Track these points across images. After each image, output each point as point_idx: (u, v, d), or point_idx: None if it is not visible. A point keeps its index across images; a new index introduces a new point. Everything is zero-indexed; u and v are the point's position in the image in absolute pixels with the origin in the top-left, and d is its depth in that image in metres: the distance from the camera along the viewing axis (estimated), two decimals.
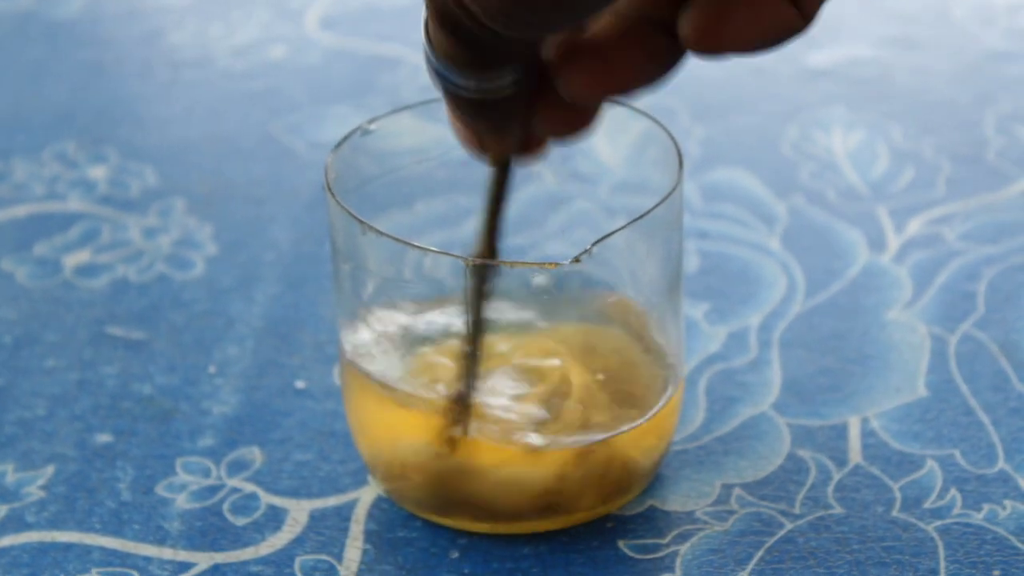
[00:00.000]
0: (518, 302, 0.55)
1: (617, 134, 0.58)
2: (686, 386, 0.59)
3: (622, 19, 0.41)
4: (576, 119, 0.43)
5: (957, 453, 0.56)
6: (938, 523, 0.53)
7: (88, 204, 0.71)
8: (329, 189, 0.51)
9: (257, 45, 0.83)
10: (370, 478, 0.56)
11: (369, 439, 0.54)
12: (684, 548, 0.53)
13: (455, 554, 0.53)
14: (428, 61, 0.42)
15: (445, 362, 0.53)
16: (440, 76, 0.42)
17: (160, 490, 0.56)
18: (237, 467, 0.57)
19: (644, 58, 0.41)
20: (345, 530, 0.54)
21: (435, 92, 0.78)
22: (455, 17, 0.39)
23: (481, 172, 0.58)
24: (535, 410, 0.52)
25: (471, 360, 0.51)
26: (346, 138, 0.53)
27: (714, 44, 0.40)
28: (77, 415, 0.59)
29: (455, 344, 0.54)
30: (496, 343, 0.54)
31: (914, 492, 0.55)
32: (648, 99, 0.77)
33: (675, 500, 0.55)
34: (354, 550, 0.53)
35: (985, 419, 0.58)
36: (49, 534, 0.54)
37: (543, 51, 0.42)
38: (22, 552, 0.54)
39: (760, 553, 0.53)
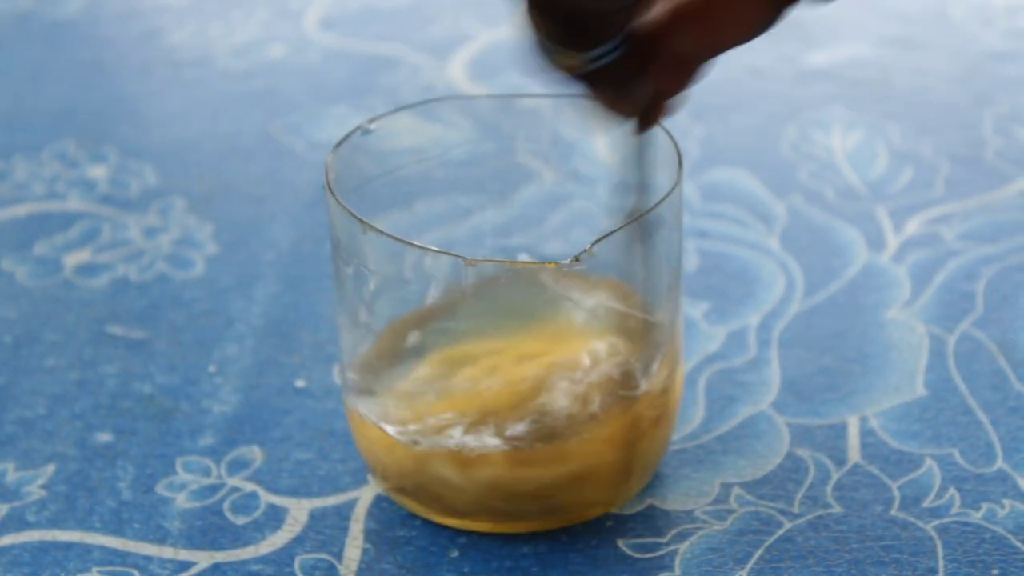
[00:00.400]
0: (520, 299, 0.55)
1: (617, 134, 0.58)
2: (685, 385, 0.59)
3: None
4: (684, 75, 0.44)
5: (956, 452, 0.56)
6: (937, 522, 0.53)
7: (88, 203, 0.71)
8: (329, 188, 0.51)
9: (257, 45, 0.83)
10: (370, 477, 0.56)
11: (368, 441, 0.54)
12: (683, 547, 0.53)
13: (455, 553, 0.53)
14: (538, 48, 0.43)
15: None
16: (550, 58, 0.43)
17: (160, 489, 0.56)
18: (237, 466, 0.57)
19: (749, 12, 0.42)
20: (345, 529, 0.54)
21: (434, 93, 0.78)
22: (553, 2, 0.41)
23: (480, 172, 0.59)
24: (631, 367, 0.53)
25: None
26: (346, 138, 0.53)
27: None
28: (77, 414, 0.59)
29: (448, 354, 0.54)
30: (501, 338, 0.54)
31: (913, 491, 0.55)
32: None
33: (674, 499, 0.55)
34: (354, 549, 0.53)
35: (984, 418, 0.58)
36: (50, 533, 0.54)
37: (645, 16, 0.42)
38: (23, 551, 0.54)
39: (759, 552, 0.53)
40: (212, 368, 0.61)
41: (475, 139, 0.57)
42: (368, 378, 0.54)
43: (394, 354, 0.54)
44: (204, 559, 0.53)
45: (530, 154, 0.59)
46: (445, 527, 0.54)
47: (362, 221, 0.50)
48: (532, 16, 0.42)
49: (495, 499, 0.53)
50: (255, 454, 0.57)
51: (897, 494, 0.55)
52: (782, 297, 0.64)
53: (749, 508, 0.54)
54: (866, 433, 0.57)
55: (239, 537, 0.54)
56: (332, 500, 0.55)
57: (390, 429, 0.53)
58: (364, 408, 0.53)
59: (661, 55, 0.43)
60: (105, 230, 0.69)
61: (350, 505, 0.55)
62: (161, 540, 0.54)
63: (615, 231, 0.49)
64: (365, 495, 0.55)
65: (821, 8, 0.42)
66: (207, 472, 0.56)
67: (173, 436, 0.58)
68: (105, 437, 0.58)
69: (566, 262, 0.48)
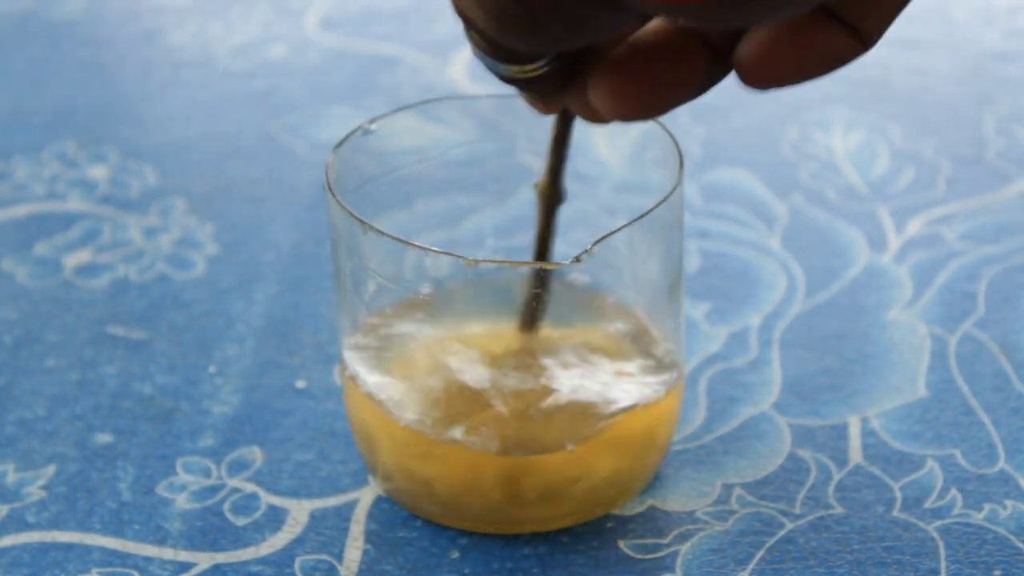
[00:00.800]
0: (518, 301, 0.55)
1: (618, 134, 0.58)
2: (687, 386, 0.58)
3: (662, 31, 0.39)
4: (598, 115, 0.42)
5: (957, 453, 0.56)
6: (939, 523, 0.53)
7: (88, 204, 0.71)
8: (330, 189, 0.51)
9: (257, 45, 0.83)
10: (370, 478, 0.56)
11: (369, 441, 0.54)
12: (684, 548, 0.53)
13: (455, 554, 0.53)
14: (473, 50, 0.42)
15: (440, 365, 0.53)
16: (479, 59, 0.42)
17: (160, 490, 0.56)
18: (237, 467, 0.57)
19: (678, 78, 0.39)
20: (345, 530, 0.54)
21: (434, 93, 0.78)
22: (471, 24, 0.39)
23: (481, 173, 0.58)
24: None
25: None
26: (347, 138, 0.53)
27: (772, 78, 0.38)
28: (78, 415, 0.59)
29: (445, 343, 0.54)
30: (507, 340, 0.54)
31: (915, 492, 0.55)
32: None
33: (675, 500, 0.55)
34: (354, 550, 0.53)
35: (985, 419, 0.58)
36: (49, 534, 0.54)
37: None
38: (23, 552, 0.54)
39: (760, 553, 0.53)
40: (212, 369, 0.61)
41: (476, 139, 0.57)
42: (367, 362, 0.54)
43: (393, 342, 0.54)
44: (204, 560, 0.53)
45: (531, 154, 0.59)
46: (446, 528, 0.54)
47: (362, 221, 0.49)
48: (464, 26, 0.41)
49: (487, 498, 0.52)
50: (255, 455, 0.57)
51: (899, 495, 0.54)
52: (783, 297, 0.64)
53: (750, 509, 0.54)
54: (867, 434, 0.57)
55: (239, 538, 0.54)
56: (333, 501, 0.55)
57: (392, 412, 0.52)
58: (363, 392, 0.53)
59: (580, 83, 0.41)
60: (105, 230, 0.69)
61: (351, 506, 0.55)
62: (161, 541, 0.54)
63: (616, 231, 0.49)
64: (366, 496, 0.55)
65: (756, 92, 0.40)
66: (207, 473, 0.56)
67: (173, 437, 0.58)
68: (105, 438, 0.58)
69: (567, 262, 0.48)
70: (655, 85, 0.39)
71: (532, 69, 0.41)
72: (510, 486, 0.52)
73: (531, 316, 0.52)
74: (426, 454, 0.52)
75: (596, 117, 0.42)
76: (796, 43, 0.38)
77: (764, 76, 0.38)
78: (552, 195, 0.50)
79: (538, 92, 0.42)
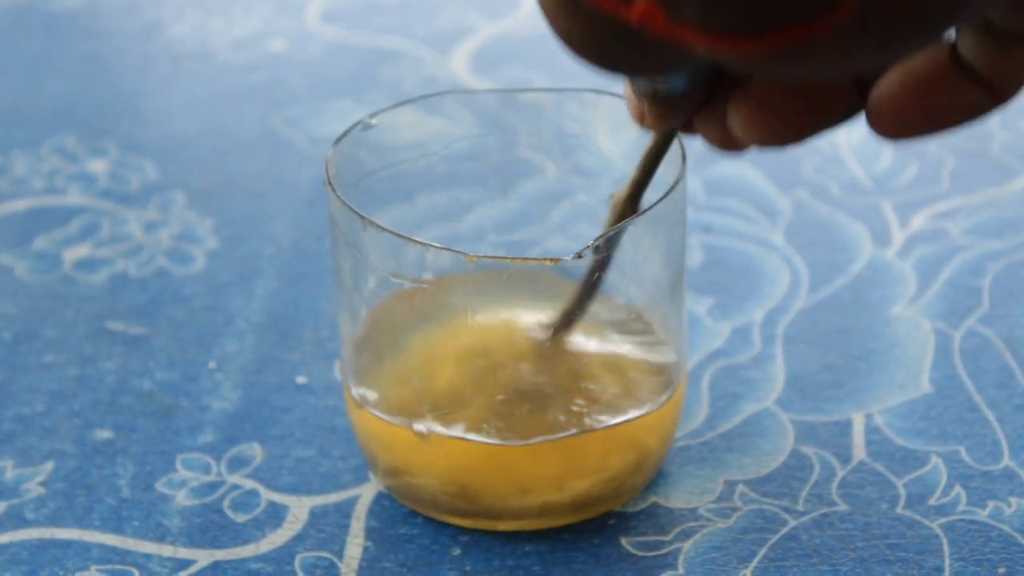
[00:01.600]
0: (520, 297, 0.55)
1: (620, 128, 0.57)
2: (689, 382, 0.58)
3: None
4: (732, 141, 0.41)
5: (962, 449, 0.56)
6: (943, 520, 0.53)
7: (88, 198, 0.70)
8: (330, 184, 0.51)
9: (258, 38, 0.83)
10: (371, 474, 0.55)
11: (368, 438, 0.54)
12: (687, 545, 0.53)
13: (457, 551, 0.53)
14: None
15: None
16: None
17: (160, 487, 0.56)
18: (237, 463, 0.56)
19: (822, 108, 0.38)
20: (346, 527, 0.54)
21: (436, 86, 0.78)
22: None
23: (482, 167, 0.58)
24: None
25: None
26: (347, 132, 0.53)
27: (900, 127, 0.37)
28: (76, 411, 0.59)
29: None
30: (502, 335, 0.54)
31: (918, 489, 0.54)
32: None
33: (678, 497, 0.54)
34: (355, 547, 0.53)
35: (990, 415, 0.57)
36: (48, 531, 0.54)
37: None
38: (21, 549, 0.53)
39: (763, 550, 0.52)
40: (212, 364, 0.61)
41: (477, 133, 0.57)
42: (364, 361, 0.54)
43: (392, 339, 0.54)
44: (204, 557, 0.53)
45: (532, 148, 0.59)
46: (447, 525, 0.53)
47: (362, 217, 0.49)
48: None
49: (485, 495, 0.52)
50: (255, 451, 0.57)
51: (903, 492, 0.54)
52: (787, 292, 0.63)
53: (753, 506, 0.54)
54: (871, 430, 0.57)
55: (239, 535, 0.54)
56: (333, 498, 0.55)
57: (386, 416, 0.52)
58: (359, 393, 0.53)
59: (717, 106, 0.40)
60: (105, 225, 0.69)
61: (351, 503, 0.55)
62: (160, 538, 0.53)
63: (618, 228, 0.48)
64: (366, 493, 0.55)
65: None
66: (207, 469, 0.56)
67: (173, 433, 0.58)
68: (104, 434, 0.58)
69: (568, 258, 0.48)
70: (799, 114, 0.38)
71: (669, 88, 0.39)
72: (509, 476, 0.52)
73: (573, 313, 0.52)
74: (424, 450, 0.52)
75: (727, 143, 0.41)
76: (925, 94, 0.37)
77: (892, 124, 0.38)
78: (627, 209, 0.48)
79: (665, 107, 0.41)
